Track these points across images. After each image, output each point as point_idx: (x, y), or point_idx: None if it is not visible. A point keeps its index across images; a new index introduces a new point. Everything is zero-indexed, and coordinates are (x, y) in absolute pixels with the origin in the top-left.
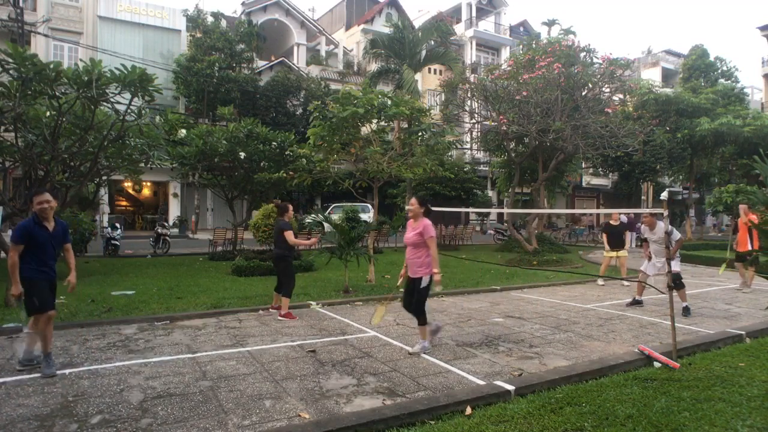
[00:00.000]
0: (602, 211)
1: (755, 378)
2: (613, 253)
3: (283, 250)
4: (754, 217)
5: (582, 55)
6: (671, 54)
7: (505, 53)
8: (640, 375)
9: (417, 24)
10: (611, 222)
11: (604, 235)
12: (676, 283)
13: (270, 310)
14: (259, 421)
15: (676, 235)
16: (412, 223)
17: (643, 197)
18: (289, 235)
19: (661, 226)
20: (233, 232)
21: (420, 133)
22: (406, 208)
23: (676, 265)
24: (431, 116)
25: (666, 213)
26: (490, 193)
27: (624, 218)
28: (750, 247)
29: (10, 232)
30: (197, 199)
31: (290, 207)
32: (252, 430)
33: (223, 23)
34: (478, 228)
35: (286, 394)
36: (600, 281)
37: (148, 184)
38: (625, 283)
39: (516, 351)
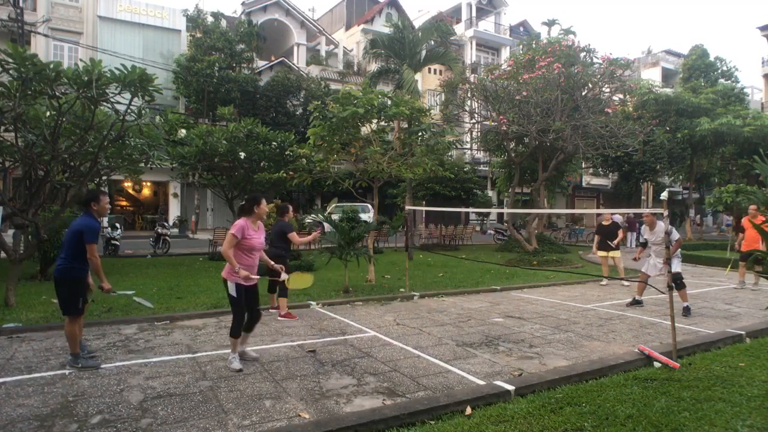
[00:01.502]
0: (602, 211)
1: (755, 378)
2: (604, 253)
3: (279, 249)
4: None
5: (582, 55)
6: (671, 54)
7: (505, 53)
8: (640, 375)
9: (417, 24)
10: (603, 222)
11: (597, 236)
12: (677, 283)
13: (270, 310)
14: (259, 421)
15: (675, 235)
16: (253, 225)
17: (643, 197)
18: (294, 237)
19: (662, 226)
20: None
21: (420, 133)
22: (262, 208)
23: (677, 266)
24: (431, 116)
25: (666, 213)
26: (490, 193)
27: (618, 218)
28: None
29: (10, 232)
30: (197, 199)
31: (290, 207)
32: (252, 430)
33: (223, 23)
34: (478, 228)
35: (286, 394)
36: (604, 281)
37: (148, 184)
38: (625, 283)
39: (516, 351)
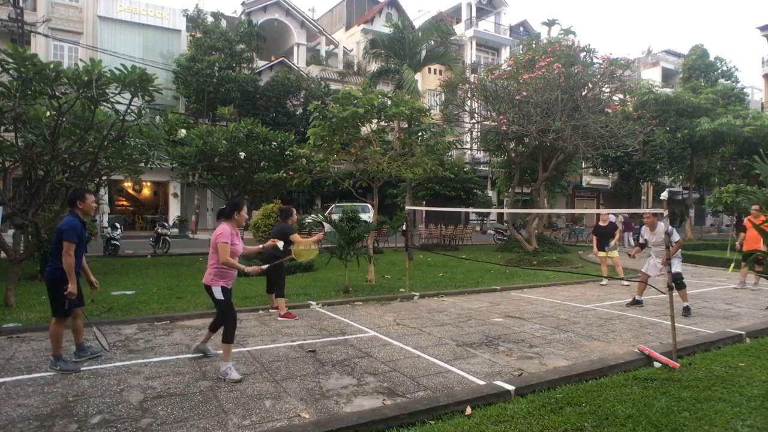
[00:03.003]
0: (602, 211)
1: (755, 378)
2: (604, 253)
3: (275, 251)
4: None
5: (582, 55)
6: (671, 54)
7: (505, 53)
8: (640, 375)
9: (417, 24)
10: (600, 223)
11: (595, 237)
12: (677, 283)
13: (270, 310)
14: (259, 421)
15: (676, 236)
16: (233, 230)
17: (643, 197)
18: (297, 238)
19: (662, 226)
20: None
21: (420, 133)
22: (243, 215)
23: (677, 266)
24: (431, 116)
25: (666, 213)
26: (490, 193)
27: (612, 218)
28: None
29: (10, 232)
30: (197, 199)
31: (294, 211)
32: (252, 430)
33: (223, 23)
34: (478, 228)
35: (286, 394)
36: (604, 281)
37: (148, 184)
38: (625, 282)
39: (516, 351)
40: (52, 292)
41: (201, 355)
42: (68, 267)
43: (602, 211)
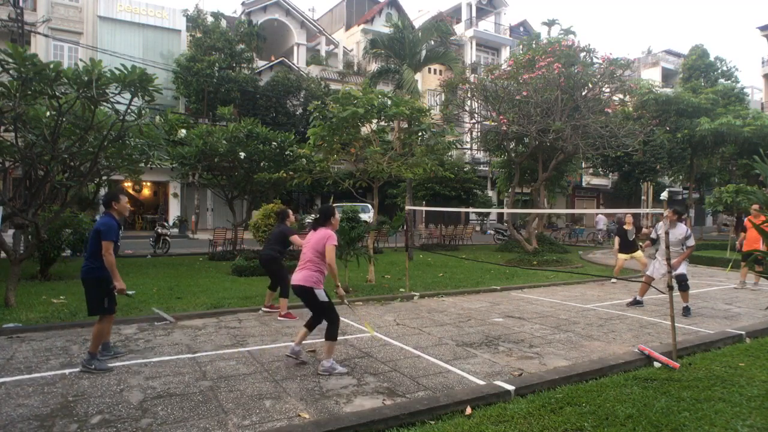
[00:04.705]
0: (601, 211)
1: (755, 378)
2: (627, 256)
3: (273, 251)
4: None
5: (582, 55)
6: (671, 54)
7: (505, 53)
8: (640, 375)
9: (417, 24)
10: (624, 227)
11: (617, 239)
12: (681, 284)
13: (263, 308)
14: (259, 421)
15: (692, 241)
16: None
17: (643, 197)
18: (297, 239)
19: (682, 228)
20: (233, 232)
21: (420, 133)
22: (337, 219)
23: (683, 267)
24: (431, 116)
25: (666, 213)
26: (490, 193)
27: (602, 219)
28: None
29: (10, 232)
30: (197, 199)
31: (290, 212)
32: (252, 430)
33: (223, 23)
34: (478, 228)
35: (286, 394)
36: (613, 280)
37: (148, 184)
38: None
39: (516, 351)
40: (91, 292)
41: (196, 356)
42: (110, 265)
43: (601, 211)
